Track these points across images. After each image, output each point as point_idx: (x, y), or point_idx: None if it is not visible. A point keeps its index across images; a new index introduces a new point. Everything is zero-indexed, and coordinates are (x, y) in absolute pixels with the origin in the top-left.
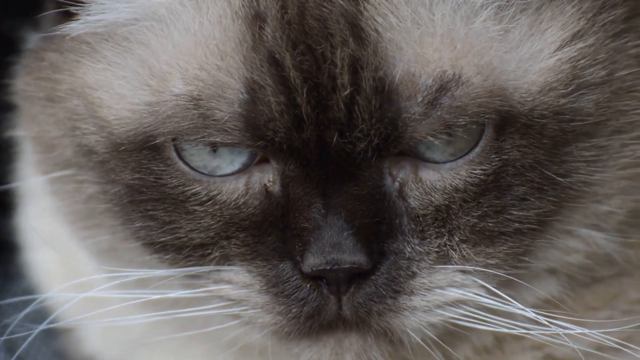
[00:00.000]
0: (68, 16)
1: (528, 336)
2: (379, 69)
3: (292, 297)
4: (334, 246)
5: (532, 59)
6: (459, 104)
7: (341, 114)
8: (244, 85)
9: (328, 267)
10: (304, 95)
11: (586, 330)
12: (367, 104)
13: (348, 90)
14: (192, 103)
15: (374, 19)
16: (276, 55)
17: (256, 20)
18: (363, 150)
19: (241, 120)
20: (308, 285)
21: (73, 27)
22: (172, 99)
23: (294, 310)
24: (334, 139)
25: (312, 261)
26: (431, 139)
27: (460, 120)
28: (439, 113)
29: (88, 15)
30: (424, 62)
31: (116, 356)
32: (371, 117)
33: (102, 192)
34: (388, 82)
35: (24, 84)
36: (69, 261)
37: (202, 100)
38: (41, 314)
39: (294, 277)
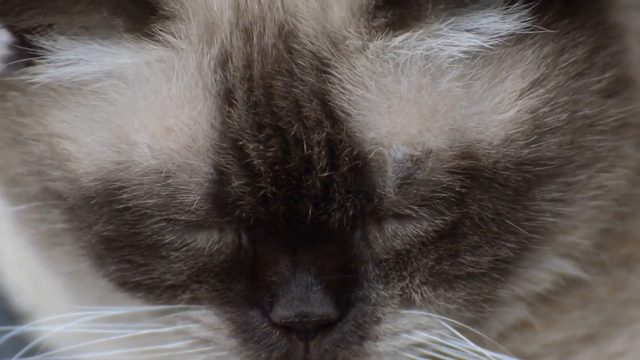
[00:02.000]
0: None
1: None
2: (353, 149)
3: (261, 342)
4: (302, 300)
5: (493, 111)
6: (433, 177)
7: (317, 191)
8: (213, 167)
9: (297, 320)
10: (269, 179)
11: None
12: (343, 180)
13: (327, 173)
14: (161, 181)
15: (342, 96)
16: (240, 142)
17: (225, 101)
18: (338, 220)
19: (209, 200)
20: (278, 332)
21: (38, 75)
22: (140, 170)
23: (263, 355)
24: (309, 213)
25: (281, 313)
26: (412, 214)
27: (437, 195)
28: (413, 190)
29: (54, 66)
30: (393, 135)
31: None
32: (347, 191)
33: (71, 235)
34: (362, 160)
35: None
36: (41, 286)
37: (171, 179)
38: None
39: (264, 325)
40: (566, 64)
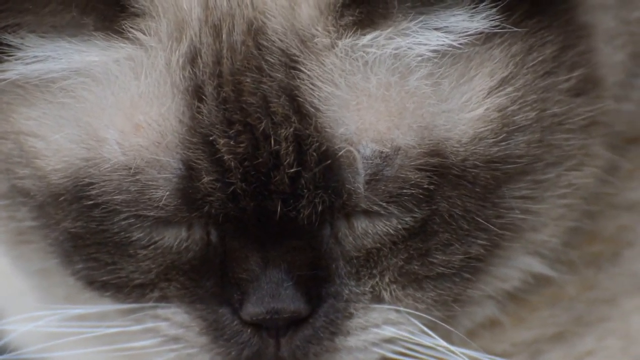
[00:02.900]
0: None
1: None
2: (322, 145)
3: (232, 340)
4: (273, 296)
5: (461, 109)
6: (401, 174)
7: (285, 187)
8: (182, 162)
9: (268, 317)
10: (239, 175)
11: None
12: (312, 176)
13: (295, 169)
14: (129, 177)
15: (311, 93)
16: (210, 138)
17: (194, 97)
18: (307, 217)
19: (178, 195)
20: (249, 330)
21: (5, 72)
22: (109, 166)
23: (234, 353)
24: (278, 209)
25: (251, 310)
26: (380, 210)
27: (406, 190)
28: (382, 186)
29: (21, 63)
30: (362, 132)
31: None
32: (316, 187)
33: (40, 232)
34: (331, 156)
35: None
36: (9, 283)
37: (140, 175)
38: None
39: (234, 322)
40: (534, 62)
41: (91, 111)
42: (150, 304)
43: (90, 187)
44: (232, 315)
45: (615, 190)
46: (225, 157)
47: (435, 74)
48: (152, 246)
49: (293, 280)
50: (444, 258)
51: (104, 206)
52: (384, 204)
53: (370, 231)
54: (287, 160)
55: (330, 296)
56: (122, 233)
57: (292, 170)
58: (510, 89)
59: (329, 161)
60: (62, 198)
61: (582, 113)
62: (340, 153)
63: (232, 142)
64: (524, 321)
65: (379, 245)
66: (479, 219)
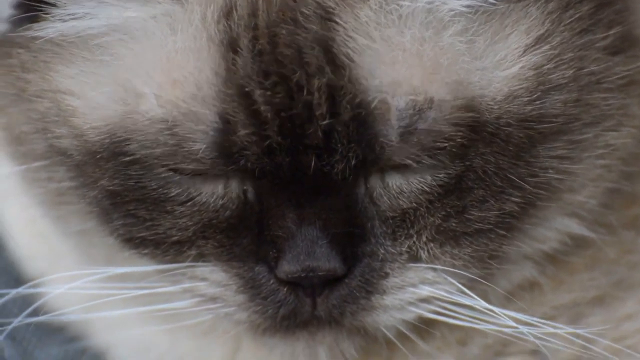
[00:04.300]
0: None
1: (499, 335)
2: (355, 96)
3: (269, 299)
4: (308, 254)
5: (496, 67)
6: (434, 126)
7: (319, 141)
8: (218, 116)
9: (303, 275)
10: (275, 127)
11: (555, 330)
12: (345, 129)
13: (327, 121)
14: (167, 130)
15: (346, 44)
16: (247, 89)
17: (229, 49)
18: (341, 171)
19: (215, 148)
20: (285, 289)
21: (44, 30)
22: (146, 120)
23: (270, 311)
24: (312, 164)
25: (287, 268)
26: (413, 163)
27: (438, 142)
28: (415, 139)
29: (60, 20)
30: (396, 85)
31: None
32: (349, 141)
33: (78, 192)
34: (365, 109)
35: None
36: (51, 246)
37: (177, 128)
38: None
39: (271, 281)
40: (571, 20)
41: (129, 68)
42: (188, 263)
43: (128, 142)
44: (268, 274)
45: None
46: (261, 108)
47: (469, 30)
48: (190, 203)
49: (328, 238)
50: (479, 214)
51: (141, 162)
52: (417, 157)
53: (405, 189)
54: (320, 111)
55: (365, 256)
56: (160, 189)
57: (324, 122)
58: (546, 47)
59: (362, 113)
60: (99, 156)
61: (619, 72)
62: (374, 104)
63: (268, 93)
64: (564, 284)
65: (415, 205)
66: (512, 177)
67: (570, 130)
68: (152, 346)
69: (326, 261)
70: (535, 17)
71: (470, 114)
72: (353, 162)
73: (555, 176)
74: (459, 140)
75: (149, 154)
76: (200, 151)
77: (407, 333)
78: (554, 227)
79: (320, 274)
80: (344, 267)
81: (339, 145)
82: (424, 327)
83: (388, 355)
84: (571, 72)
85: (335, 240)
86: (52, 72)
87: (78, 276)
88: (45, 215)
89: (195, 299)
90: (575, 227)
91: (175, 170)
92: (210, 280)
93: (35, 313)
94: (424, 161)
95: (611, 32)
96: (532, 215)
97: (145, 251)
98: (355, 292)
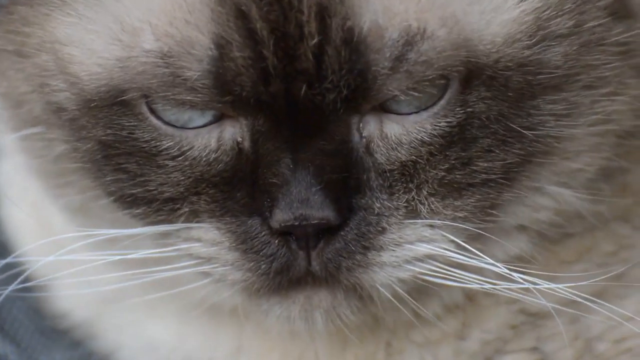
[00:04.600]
0: None
1: (497, 292)
2: (347, 19)
3: (261, 253)
4: (302, 202)
5: (495, 10)
6: (425, 58)
7: (310, 65)
8: (213, 41)
9: (296, 223)
10: (271, 47)
11: (556, 286)
12: (336, 54)
13: (316, 39)
14: (162, 60)
15: None
16: (242, 7)
17: None
18: (332, 102)
19: (210, 77)
20: (277, 241)
21: None
22: (143, 55)
23: (263, 266)
24: (303, 91)
25: (280, 217)
26: (400, 95)
27: (428, 74)
28: (406, 68)
29: None
30: (390, 15)
31: (87, 315)
32: (340, 68)
33: (73, 150)
34: (356, 33)
35: None
36: (42, 217)
37: (172, 57)
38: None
39: (263, 233)
40: None
41: (127, 6)
42: (181, 224)
43: (124, 87)
44: (261, 226)
45: None
46: (257, 26)
47: None
48: (181, 157)
49: (322, 185)
50: (485, 165)
51: (135, 112)
52: (408, 89)
53: (404, 140)
54: (309, 29)
55: (361, 208)
56: (152, 142)
57: (314, 41)
58: None
59: (354, 39)
60: (94, 104)
61: (618, 36)
62: (366, 30)
63: (264, 9)
64: (557, 277)
65: (414, 157)
66: (513, 125)
67: (569, 90)
68: (160, 345)
69: (319, 209)
70: None
71: (465, 53)
72: (345, 92)
73: (553, 132)
74: (454, 74)
75: (144, 89)
76: (194, 79)
77: (404, 296)
78: (548, 194)
79: (313, 222)
80: (337, 217)
81: (330, 71)
82: (423, 313)
83: (388, 339)
84: (571, 23)
85: (329, 188)
86: (52, 23)
87: (70, 240)
88: (41, 187)
89: (191, 261)
90: (568, 196)
91: (171, 103)
92: (205, 240)
93: (26, 289)
94: (412, 93)
95: None
96: (530, 171)
97: (138, 210)
98: (351, 246)
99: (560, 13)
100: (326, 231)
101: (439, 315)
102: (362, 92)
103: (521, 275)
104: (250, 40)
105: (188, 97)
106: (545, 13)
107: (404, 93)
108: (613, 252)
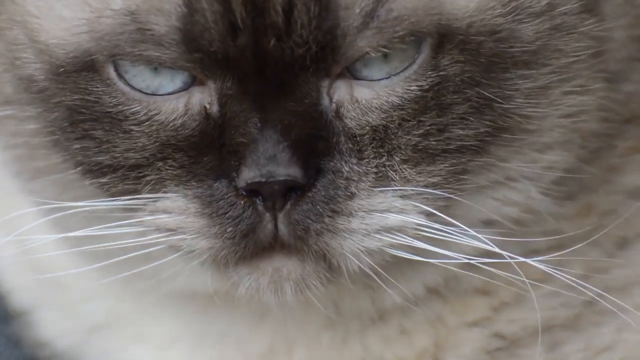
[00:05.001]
0: None
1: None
2: None
3: (227, 215)
4: (269, 159)
5: None
6: (396, 14)
7: (279, 19)
8: None
9: (263, 180)
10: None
11: (531, 260)
12: (306, 9)
13: None
14: (129, 17)
15: None
16: None
17: None
18: (301, 58)
19: (178, 33)
20: (242, 202)
21: None
22: (111, 15)
23: (229, 230)
24: (271, 44)
25: (246, 174)
26: (371, 51)
27: (398, 30)
28: (375, 24)
29: None
30: None
31: (71, 343)
32: (310, 23)
33: (42, 123)
34: None
35: None
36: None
37: (139, 14)
38: None
39: (229, 195)
40: None
41: None
42: (147, 195)
43: (93, 51)
44: (227, 188)
45: (613, 159)
46: None
47: None
48: (148, 122)
49: (289, 142)
50: (460, 132)
51: (103, 77)
52: (378, 45)
53: (375, 104)
54: None
55: (329, 171)
56: (120, 106)
57: None
58: None
59: None
60: (62, 70)
61: (588, 26)
62: None
63: None
64: (526, 299)
65: (385, 122)
66: (486, 93)
67: (539, 69)
68: None
69: (287, 166)
70: None
71: (438, 16)
72: (314, 48)
73: (521, 109)
74: (426, 37)
75: (112, 47)
76: (162, 33)
77: (375, 268)
78: (517, 190)
79: (280, 179)
80: (304, 176)
81: (299, 25)
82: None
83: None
84: (545, 2)
85: (297, 146)
86: None
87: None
88: (17, 177)
89: (158, 234)
90: (535, 193)
91: (140, 59)
92: (171, 210)
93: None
94: (383, 50)
95: None
96: (501, 146)
97: (104, 180)
98: (319, 208)
99: None
100: (293, 192)
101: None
102: (331, 50)
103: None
104: None
105: (156, 54)
106: None
107: (375, 50)
108: (584, 276)
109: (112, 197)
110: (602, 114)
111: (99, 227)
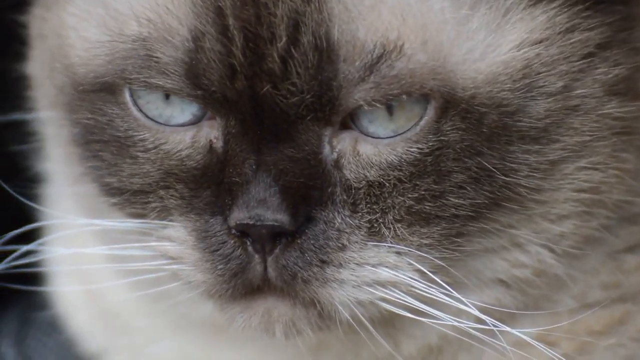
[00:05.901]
0: None
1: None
2: (320, 27)
3: (218, 252)
4: (259, 202)
5: (486, 50)
6: (396, 73)
7: (275, 66)
8: (190, 33)
9: (251, 222)
10: (239, 44)
11: (517, 331)
12: (304, 59)
13: (284, 41)
14: (140, 43)
15: None
16: (220, 3)
17: None
18: (295, 106)
19: (183, 66)
20: (232, 242)
21: None
22: (124, 40)
23: (220, 267)
24: (265, 90)
25: (236, 215)
26: (365, 105)
27: (394, 88)
28: (374, 79)
29: None
30: (370, 28)
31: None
32: (306, 72)
33: (69, 134)
34: (329, 42)
35: (30, 20)
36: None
37: (150, 42)
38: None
39: (221, 232)
40: (575, 40)
41: None
42: (156, 222)
43: (105, 69)
44: (220, 226)
45: None
46: (229, 22)
47: (462, 5)
48: (154, 150)
49: (279, 187)
50: (457, 201)
51: (119, 100)
52: (372, 99)
53: (374, 161)
54: (279, 33)
55: (320, 220)
56: (129, 131)
57: (281, 43)
58: (542, 50)
59: (325, 46)
60: (81, 88)
61: (612, 109)
62: (340, 40)
63: (237, 5)
64: None
65: (381, 179)
66: (486, 164)
67: (547, 145)
68: None
69: (275, 211)
70: (540, 22)
71: (439, 81)
72: (309, 98)
73: (524, 182)
74: (426, 95)
75: (121, 71)
76: (166, 62)
77: (363, 321)
78: (529, 253)
79: (267, 223)
80: (292, 222)
81: (295, 74)
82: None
83: None
84: (561, 84)
85: (288, 192)
86: (63, 9)
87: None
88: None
89: (162, 260)
90: (547, 257)
91: (146, 86)
92: (174, 239)
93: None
94: (376, 105)
95: (615, 70)
96: (500, 215)
97: (114, 200)
98: (307, 256)
99: (551, 72)
100: (282, 237)
101: (413, 356)
102: (327, 101)
103: (491, 320)
104: (223, 35)
105: (159, 82)
106: (536, 66)
107: (368, 104)
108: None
109: (127, 217)
110: (633, 183)
111: (114, 246)
